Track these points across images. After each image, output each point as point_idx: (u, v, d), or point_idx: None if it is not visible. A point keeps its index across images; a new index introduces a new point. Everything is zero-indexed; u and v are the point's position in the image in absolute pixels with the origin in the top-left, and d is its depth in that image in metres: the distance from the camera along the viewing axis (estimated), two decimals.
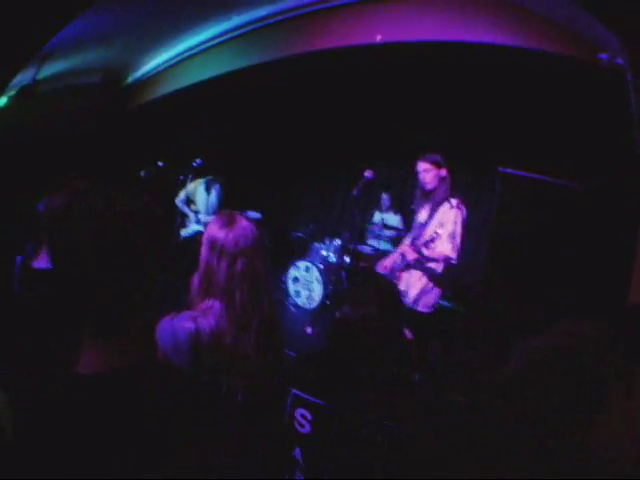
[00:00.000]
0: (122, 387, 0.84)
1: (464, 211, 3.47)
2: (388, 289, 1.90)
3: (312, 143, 6.99)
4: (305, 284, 5.72)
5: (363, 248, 5.82)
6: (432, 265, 3.50)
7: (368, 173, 4.02)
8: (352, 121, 6.11)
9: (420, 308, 3.51)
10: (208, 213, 5.45)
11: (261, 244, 1.71)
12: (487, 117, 4.92)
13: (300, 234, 6.41)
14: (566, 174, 4.08)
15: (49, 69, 5.15)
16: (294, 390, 1.66)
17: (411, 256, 3.46)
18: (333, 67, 4.86)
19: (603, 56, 3.02)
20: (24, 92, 5.05)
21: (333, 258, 5.67)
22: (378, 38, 4.10)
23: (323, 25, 4.51)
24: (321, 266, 5.59)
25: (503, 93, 4.42)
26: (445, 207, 3.46)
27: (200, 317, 1.60)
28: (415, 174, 3.59)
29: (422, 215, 3.62)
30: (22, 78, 4.96)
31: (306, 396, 1.63)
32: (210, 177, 5.50)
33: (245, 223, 1.69)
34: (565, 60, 3.35)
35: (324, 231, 6.26)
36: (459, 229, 3.39)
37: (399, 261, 3.63)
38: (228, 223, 1.66)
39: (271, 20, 4.77)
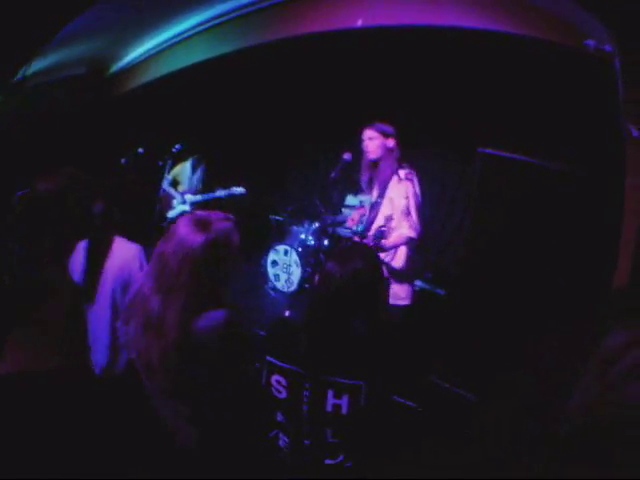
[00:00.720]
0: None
1: (415, 181, 3.22)
2: (369, 249, 1.94)
3: (291, 126, 6.91)
4: (284, 267, 5.67)
5: (341, 231, 5.78)
6: (392, 259, 3.25)
7: (347, 155, 3.92)
8: (332, 104, 6.05)
9: (394, 302, 3.27)
10: (192, 192, 5.42)
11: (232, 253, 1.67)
12: (472, 99, 4.89)
13: (279, 217, 6.34)
14: (551, 156, 4.08)
15: (37, 65, 5.09)
16: (268, 357, 1.67)
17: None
18: (314, 51, 4.82)
19: (590, 42, 2.97)
20: (13, 89, 4.97)
21: (312, 241, 5.62)
22: (359, 22, 4.01)
23: (304, 10, 4.44)
24: (300, 249, 5.54)
25: (488, 76, 4.40)
26: (393, 181, 3.23)
27: None
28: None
29: (373, 195, 3.39)
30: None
31: (279, 363, 1.64)
32: (196, 157, 5.49)
33: (221, 230, 1.62)
34: (551, 45, 3.30)
35: (303, 214, 6.19)
36: (412, 202, 3.14)
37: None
38: (204, 228, 1.59)
39: (252, 8, 4.71)
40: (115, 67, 6.73)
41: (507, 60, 3.92)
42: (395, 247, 3.20)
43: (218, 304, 1.59)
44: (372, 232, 3.11)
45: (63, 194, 2.00)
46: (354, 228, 3.45)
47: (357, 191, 6.20)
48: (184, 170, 5.51)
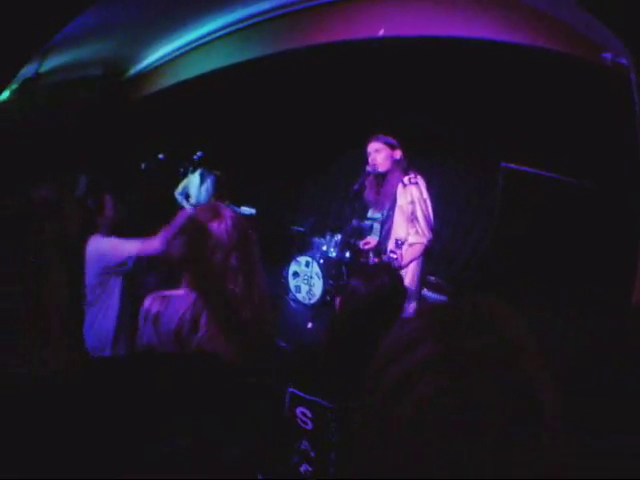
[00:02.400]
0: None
1: (421, 184, 3.14)
2: (393, 266, 1.91)
3: (313, 136, 6.96)
4: (305, 279, 5.68)
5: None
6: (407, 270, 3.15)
7: (370, 167, 3.92)
8: (354, 115, 6.06)
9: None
10: (199, 202, 5.40)
11: (250, 236, 1.67)
12: (492, 114, 4.89)
13: (300, 228, 6.38)
14: (569, 171, 4.05)
15: (51, 62, 5.12)
16: (291, 389, 1.62)
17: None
18: (335, 60, 4.82)
19: (607, 55, 2.96)
20: (26, 86, 5.00)
21: (333, 253, 5.63)
22: (381, 32, 4.04)
23: (325, 18, 4.46)
24: (321, 261, 5.56)
25: (505, 90, 4.40)
26: (399, 189, 3.15)
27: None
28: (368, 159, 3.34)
29: (384, 208, 3.33)
30: (24, 71, 4.92)
31: (304, 395, 1.59)
32: (204, 168, 5.44)
33: (233, 215, 1.62)
34: (568, 59, 3.30)
35: (324, 225, 6.22)
36: (418, 207, 3.06)
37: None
38: (216, 215, 1.61)
39: (273, 14, 4.74)
40: (133, 70, 6.71)
41: (526, 73, 3.92)
42: (411, 261, 3.12)
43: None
44: (385, 256, 3.08)
45: (58, 202, 2.03)
46: (370, 255, 3.42)
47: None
48: (193, 181, 5.49)
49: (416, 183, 3.12)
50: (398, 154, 3.23)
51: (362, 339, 1.57)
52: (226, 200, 5.46)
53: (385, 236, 3.24)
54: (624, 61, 2.82)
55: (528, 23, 3.40)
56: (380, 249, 3.24)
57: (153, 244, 2.30)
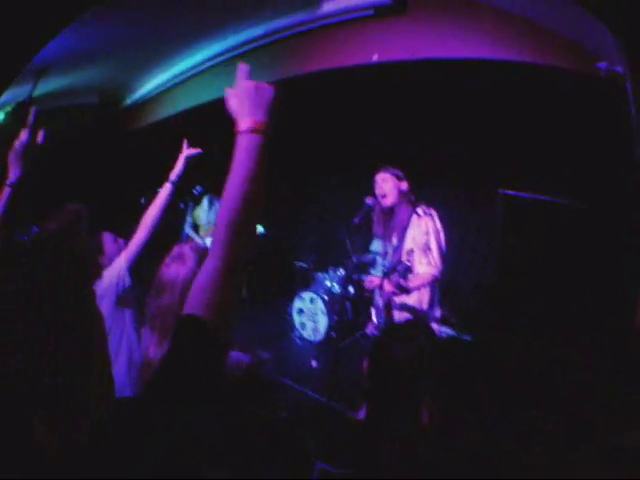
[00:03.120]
0: None
1: (435, 217, 3.19)
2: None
3: (312, 169, 7.00)
4: (310, 316, 5.64)
5: (367, 277, 5.74)
6: (415, 300, 3.17)
7: (370, 200, 3.90)
8: (353, 146, 6.10)
9: None
10: (212, 227, 5.38)
11: None
12: (485, 138, 4.89)
13: (303, 264, 6.36)
14: (566, 192, 4.02)
15: (45, 86, 5.11)
16: (319, 465, 1.52)
17: (389, 289, 3.05)
18: (332, 87, 4.81)
19: (602, 65, 2.89)
20: (20, 109, 5.01)
21: (337, 288, 5.60)
22: (374, 57, 4.02)
23: (318, 45, 4.45)
24: (325, 297, 5.52)
25: (499, 112, 4.39)
26: (413, 220, 3.17)
27: None
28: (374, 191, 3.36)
29: (393, 240, 3.32)
30: (18, 93, 4.93)
31: (334, 469, 1.49)
32: (211, 194, 5.45)
33: (194, 256, 1.63)
34: (562, 72, 3.25)
35: (327, 261, 6.20)
36: (432, 238, 3.09)
37: (378, 298, 3.33)
38: (179, 258, 1.60)
39: (266, 40, 4.71)
40: (129, 99, 6.70)
41: (519, 91, 3.89)
42: (419, 288, 3.13)
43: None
44: (397, 270, 3.01)
45: (69, 233, 2.02)
46: (376, 291, 3.39)
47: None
48: (202, 208, 5.48)
49: (431, 215, 3.16)
50: (404, 185, 3.26)
51: (402, 406, 1.42)
52: None
53: (393, 265, 3.19)
54: (620, 69, 2.78)
55: (521, 38, 3.34)
56: (388, 273, 3.16)
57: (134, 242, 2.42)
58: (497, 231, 4.14)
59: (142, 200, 5.07)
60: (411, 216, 3.21)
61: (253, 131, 1.03)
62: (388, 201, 3.28)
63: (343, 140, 6.08)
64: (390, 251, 3.38)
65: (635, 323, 2.35)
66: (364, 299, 5.54)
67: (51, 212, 2.53)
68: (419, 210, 3.18)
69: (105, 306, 2.36)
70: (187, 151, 2.75)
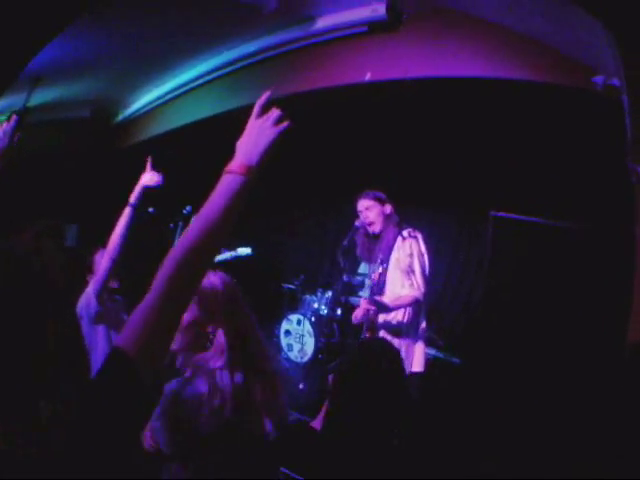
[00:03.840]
0: None
1: (420, 239, 3.16)
2: (393, 348, 1.83)
3: (301, 190, 7.01)
4: (297, 337, 5.61)
5: (355, 300, 5.74)
6: (396, 320, 3.15)
7: (358, 222, 3.88)
8: (341, 167, 6.11)
9: (410, 370, 3.13)
10: None
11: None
12: (477, 157, 4.90)
13: (291, 285, 6.34)
14: (558, 213, 4.02)
15: (40, 97, 5.08)
16: (284, 469, 1.55)
17: (367, 307, 3.01)
18: (325, 106, 4.78)
19: (598, 79, 2.89)
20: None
21: (325, 310, 5.59)
22: (368, 76, 3.95)
23: (313, 62, 4.43)
24: (313, 319, 5.51)
25: (490, 131, 4.39)
26: (398, 241, 3.15)
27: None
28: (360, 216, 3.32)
29: (378, 262, 3.23)
30: (12, 103, 4.89)
31: (296, 476, 1.53)
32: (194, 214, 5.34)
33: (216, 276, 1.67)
34: (555, 88, 3.23)
35: (315, 282, 6.19)
36: (416, 261, 3.06)
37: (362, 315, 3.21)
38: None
39: (259, 57, 4.69)
40: (122, 115, 6.64)
41: (510, 109, 3.89)
42: (399, 308, 3.10)
43: None
44: (374, 285, 3.03)
45: (37, 249, 2.00)
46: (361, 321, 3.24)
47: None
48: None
49: (415, 237, 3.13)
50: (389, 209, 3.24)
51: (357, 422, 1.50)
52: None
53: (380, 288, 3.17)
54: (616, 82, 2.73)
55: (515, 54, 3.32)
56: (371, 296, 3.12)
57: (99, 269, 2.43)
58: (486, 252, 4.14)
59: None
60: (397, 237, 3.19)
61: (240, 174, 1.02)
62: (376, 228, 3.26)
63: (332, 161, 6.10)
64: (376, 271, 3.37)
65: (629, 339, 2.36)
66: (351, 321, 5.52)
67: (23, 226, 2.51)
68: (404, 232, 3.16)
69: (83, 324, 2.36)
70: (146, 178, 2.71)
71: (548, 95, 3.38)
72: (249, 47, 4.67)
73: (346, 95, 4.39)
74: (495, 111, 3.99)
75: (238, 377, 1.51)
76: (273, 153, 1.11)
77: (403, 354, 3.06)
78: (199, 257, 0.96)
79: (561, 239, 3.92)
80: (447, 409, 3.74)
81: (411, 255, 3.06)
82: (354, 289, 6.13)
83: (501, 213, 3.89)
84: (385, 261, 3.16)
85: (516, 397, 3.53)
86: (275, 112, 1.13)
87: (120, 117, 6.75)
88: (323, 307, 5.64)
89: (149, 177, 2.71)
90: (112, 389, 0.79)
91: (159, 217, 4.97)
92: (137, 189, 2.68)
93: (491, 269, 4.04)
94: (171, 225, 5.28)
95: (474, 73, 3.47)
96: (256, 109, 1.15)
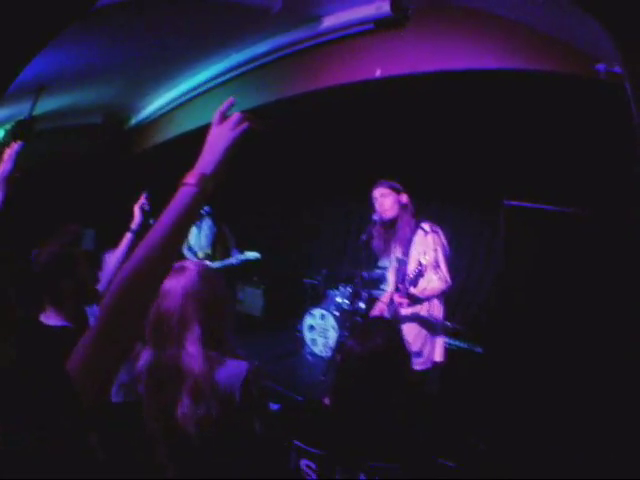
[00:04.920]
0: None
1: (441, 234, 3.20)
2: (392, 325, 1.90)
3: (321, 186, 7.05)
4: (321, 332, 5.66)
5: (377, 293, 5.77)
6: (426, 311, 3.22)
7: (376, 216, 3.91)
8: (359, 162, 6.13)
9: (433, 360, 3.23)
10: (201, 249, 5.34)
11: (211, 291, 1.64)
12: (485, 150, 4.91)
13: (314, 281, 6.40)
14: (571, 200, 3.98)
15: (47, 104, 5.10)
16: (296, 442, 1.61)
17: (400, 300, 3.04)
18: (337, 104, 4.83)
19: (600, 67, 2.87)
20: (19, 127, 4.91)
21: (348, 304, 5.62)
22: (378, 72, 3.98)
23: (321, 61, 4.45)
24: (336, 313, 5.54)
25: (499, 121, 4.38)
26: (419, 236, 3.19)
27: None
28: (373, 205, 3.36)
29: (395, 253, 3.34)
30: (18, 111, 4.94)
31: (308, 448, 1.59)
32: (201, 215, 5.33)
33: (198, 272, 1.63)
34: (560, 77, 3.21)
35: (337, 277, 6.23)
36: (441, 255, 3.12)
37: (387, 308, 3.29)
38: (179, 271, 1.61)
39: (267, 58, 4.74)
40: (134, 119, 6.72)
41: (516, 99, 3.88)
42: (428, 299, 3.15)
43: (230, 352, 1.60)
44: (409, 277, 3.02)
45: (68, 255, 2.05)
46: (385, 312, 3.33)
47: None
48: (193, 230, 5.41)
49: (436, 232, 3.16)
50: (404, 198, 3.27)
51: (360, 397, 1.58)
52: (229, 245, 5.47)
53: (400, 280, 3.19)
54: (618, 70, 2.70)
55: (520, 45, 3.31)
56: (397, 287, 3.17)
57: None
58: (500, 242, 4.12)
59: (151, 221, 5.13)
60: (414, 229, 3.22)
61: (191, 185, 0.98)
62: (389, 214, 3.29)
63: (349, 156, 6.12)
64: (394, 264, 3.37)
65: None
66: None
67: (51, 233, 2.58)
68: (425, 226, 3.18)
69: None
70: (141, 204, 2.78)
71: (555, 85, 3.38)
72: (257, 49, 4.71)
73: (353, 93, 4.42)
74: (503, 102, 3.99)
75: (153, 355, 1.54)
76: (233, 157, 1.07)
77: (428, 344, 3.18)
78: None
79: (576, 226, 3.87)
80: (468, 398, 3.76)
81: (435, 250, 3.09)
82: (376, 283, 6.16)
83: (514, 202, 3.86)
84: (405, 253, 3.20)
85: (535, 386, 3.52)
86: (235, 115, 1.09)
87: (132, 122, 6.87)
88: (346, 301, 5.67)
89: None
90: (51, 408, 0.76)
91: None
92: (137, 215, 2.76)
93: (506, 257, 4.01)
94: None
95: (481, 65, 3.47)
96: (216, 116, 1.11)
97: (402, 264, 3.25)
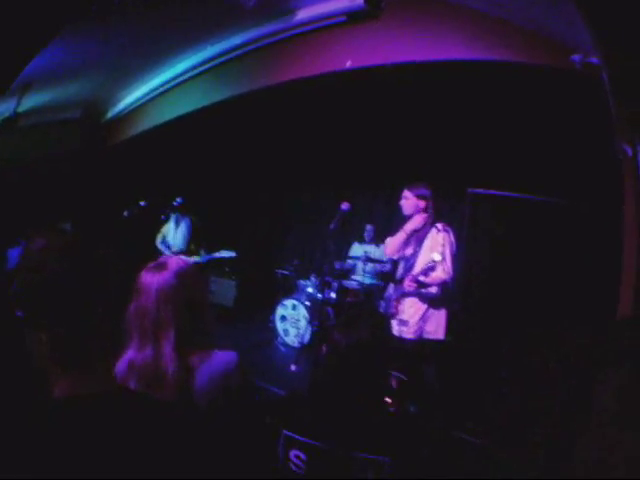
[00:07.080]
0: (95, 411, 0.83)
1: (451, 233, 3.60)
2: (376, 316, 1.94)
3: (293, 177, 7.04)
4: (293, 322, 5.67)
5: (348, 283, 5.81)
6: (428, 289, 3.58)
7: (344, 205, 4.04)
8: (333, 153, 6.15)
9: (433, 336, 3.56)
10: (179, 248, 5.35)
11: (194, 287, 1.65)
12: (458, 139, 4.95)
13: (285, 271, 6.40)
14: (544, 189, 4.06)
15: (30, 101, 5.14)
16: (285, 431, 1.61)
17: (410, 288, 3.52)
18: (310, 96, 4.88)
19: (576, 57, 2.96)
20: (6, 125, 5.02)
21: (319, 295, 5.64)
22: (348, 64, 4.09)
23: (294, 53, 4.50)
24: (308, 303, 5.56)
25: (472, 111, 4.44)
26: (432, 232, 3.60)
27: None
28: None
29: (409, 248, 3.70)
30: (3, 109, 4.97)
31: (298, 437, 1.59)
32: (178, 213, 5.37)
33: (180, 267, 1.62)
34: (536, 69, 3.32)
35: (308, 267, 6.24)
36: (447, 252, 3.51)
37: (392, 291, 3.67)
38: (158, 268, 1.61)
39: (243, 49, 4.79)
40: (111, 112, 6.72)
41: (492, 90, 3.97)
42: (431, 285, 3.55)
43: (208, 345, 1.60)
44: (420, 269, 3.45)
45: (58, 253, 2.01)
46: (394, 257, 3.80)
47: (362, 240, 6.29)
48: (169, 228, 5.46)
49: (447, 231, 3.58)
50: (422, 204, 3.65)
51: (343, 388, 1.61)
52: (203, 243, 5.47)
53: (409, 267, 3.64)
54: (595, 60, 2.79)
55: (494, 36, 3.40)
56: (406, 274, 3.59)
57: None
58: (465, 229, 4.19)
59: (125, 213, 5.08)
60: (429, 228, 3.62)
61: None
62: (405, 212, 3.70)
63: (319, 146, 6.13)
64: (406, 256, 3.74)
65: (619, 311, 2.37)
66: (345, 304, 5.59)
67: (37, 230, 2.51)
68: (439, 225, 3.59)
69: None
70: None
71: (528, 75, 3.47)
72: (232, 41, 4.74)
73: (327, 83, 4.46)
74: (475, 93, 4.05)
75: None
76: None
77: (434, 321, 3.61)
78: None
79: (549, 214, 3.95)
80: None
81: (443, 245, 3.50)
82: (346, 273, 6.20)
83: (479, 190, 3.93)
84: (419, 245, 3.65)
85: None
86: None
87: (109, 115, 6.81)
88: (317, 291, 5.69)
89: None
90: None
91: (150, 210, 5.02)
92: None
93: (470, 245, 4.09)
94: (162, 217, 5.35)
95: (452, 56, 3.57)
96: None
97: (413, 255, 3.65)
